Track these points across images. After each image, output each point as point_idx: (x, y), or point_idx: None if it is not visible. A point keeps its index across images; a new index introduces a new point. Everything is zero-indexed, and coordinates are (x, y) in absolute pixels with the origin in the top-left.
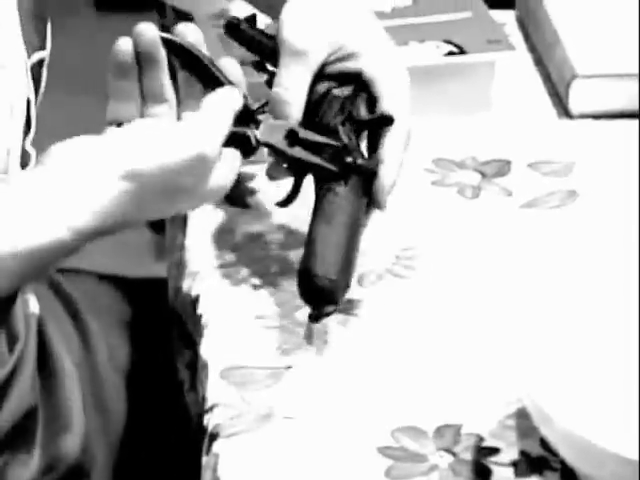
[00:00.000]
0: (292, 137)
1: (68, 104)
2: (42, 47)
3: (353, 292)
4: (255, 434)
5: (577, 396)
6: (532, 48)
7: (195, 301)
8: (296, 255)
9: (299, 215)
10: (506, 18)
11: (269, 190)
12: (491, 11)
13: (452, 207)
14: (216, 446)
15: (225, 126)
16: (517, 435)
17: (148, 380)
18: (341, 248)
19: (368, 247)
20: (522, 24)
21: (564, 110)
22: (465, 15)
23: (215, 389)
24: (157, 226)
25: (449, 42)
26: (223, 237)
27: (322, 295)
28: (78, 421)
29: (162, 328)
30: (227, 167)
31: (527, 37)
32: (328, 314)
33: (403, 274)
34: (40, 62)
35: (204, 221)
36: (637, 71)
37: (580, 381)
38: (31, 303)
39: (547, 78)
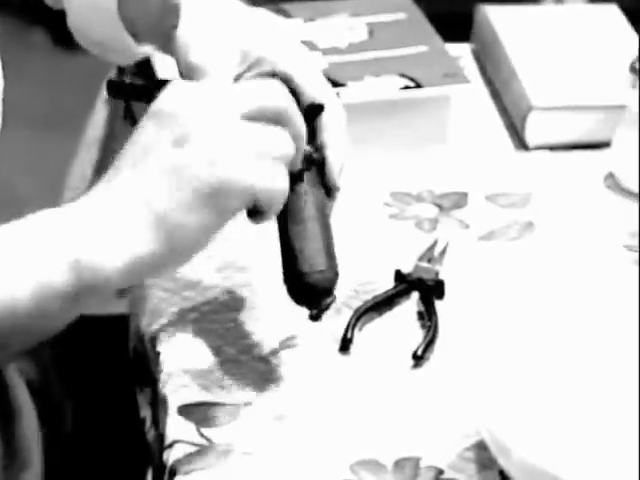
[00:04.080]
0: None
1: (27, 139)
2: None
3: (309, 326)
4: (214, 470)
5: (534, 427)
6: (488, 81)
7: (154, 338)
8: (254, 290)
9: (258, 249)
10: (462, 51)
11: None
12: (446, 44)
13: (410, 241)
14: None
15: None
16: (476, 467)
17: (110, 417)
18: (319, 240)
19: None
20: (478, 57)
21: (520, 142)
22: (421, 49)
23: (174, 426)
24: None
25: (405, 76)
26: (182, 274)
27: (317, 290)
28: (37, 458)
29: (124, 365)
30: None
31: (483, 70)
32: (327, 307)
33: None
34: None
35: None
36: (591, 103)
37: (537, 412)
38: None
39: (503, 110)
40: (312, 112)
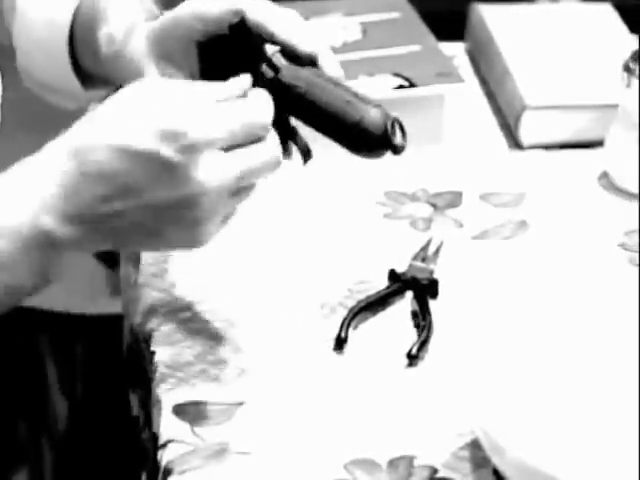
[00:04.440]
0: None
1: (22, 141)
2: None
3: (304, 325)
4: (209, 470)
5: (528, 426)
6: (482, 80)
7: (148, 338)
8: (248, 289)
9: (253, 249)
10: (456, 50)
11: None
12: (440, 43)
13: (404, 240)
14: None
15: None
16: (470, 466)
17: (104, 417)
18: (344, 90)
19: (321, 280)
20: (472, 56)
21: (514, 141)
22: (414, 48)
23: (168, 425)
24: (111, 261)
25: (399, 75)
26: (176, 274)
27: (381, 125)
28: (31, 457)
29: (117, 365)
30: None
31: (477, 69)
32: (403, 133)
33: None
34: None
35: (157, 258)
36: (585, 102)
37: (531, 411)
38: None
39: (497, 110)
40: (237, 29)
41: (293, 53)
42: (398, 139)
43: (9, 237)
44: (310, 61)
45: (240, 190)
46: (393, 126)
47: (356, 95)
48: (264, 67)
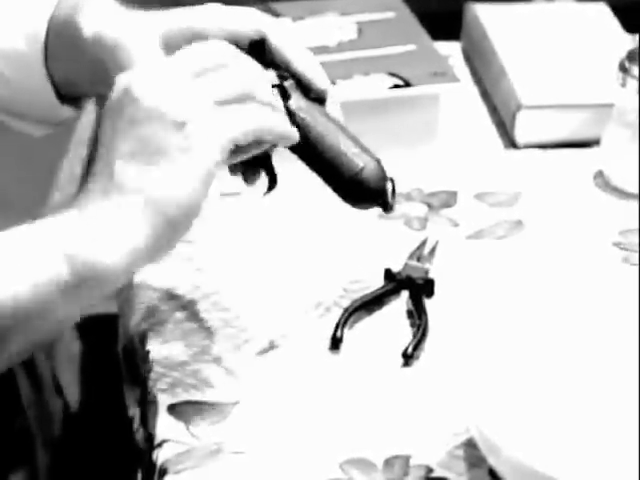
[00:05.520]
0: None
1: (14, 140)
2: None
3: (299, 324)
4: (204, 469)
5: (524, 425)
6: (478, 79)
7: (143, 337)
8: (243, 289)
9: (247, 249)
10: (451, 50)
11: None
12: (436, 43)
13: (399, 239)
14: None
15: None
16: (466, 465)
17: (98, 417)
18: (345, 139)
19: (316, 280)
20: (467, 55)
21: (510, 140)
22: (410, 48)
23: (164, 425)
24: None
25: (394, 75)
26: (172, 273)
27: (373, 181)
28: (27, 458)
29: (112, 364)
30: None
31: (472, 68)
32: (394, 192)
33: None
34: None
35: None
36: (581, 101)
37: (527, 410)
38: None
39: (493, 109)
40: (256, 47)
41: (304, 86)
42: (390, 196)
43: None
44: (318, 100)
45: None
46: (384, 179)
47: (359, 144)
48: (274, 91)
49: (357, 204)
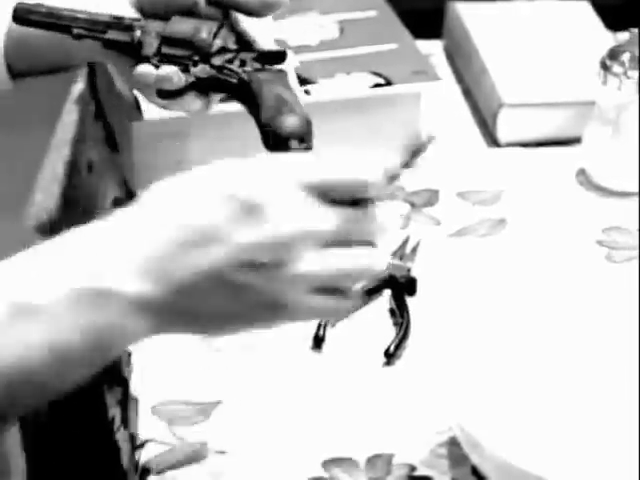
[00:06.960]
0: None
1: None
2: None
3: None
4: (187, 469)
5: (506, 423)
6: (459, 78)
7: None
8: None
9: None
10: (433, 48)
11: None
12: (418, 41)
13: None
14: None
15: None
16: (449, 464)
17: (78, 418)
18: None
19: None
20: (449, 54)
21: (492, 139)
22: (391, 47)
23: (146, 425)
24: None
25: (376, 74)
26: None
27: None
28: (17, 463)
29: None
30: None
31: (454, 67)
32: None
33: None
34: None
35: None
36: (562, 99)
37: (509, 408)
38: None
39: (474, 107)
40: (275, 56)
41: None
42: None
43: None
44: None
45: (332, 290)
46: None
47: (296, 100)
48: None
49: (267, 148)
